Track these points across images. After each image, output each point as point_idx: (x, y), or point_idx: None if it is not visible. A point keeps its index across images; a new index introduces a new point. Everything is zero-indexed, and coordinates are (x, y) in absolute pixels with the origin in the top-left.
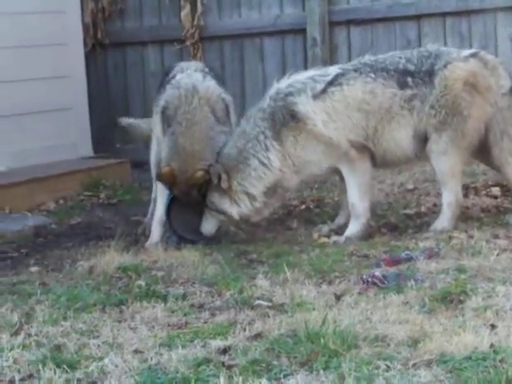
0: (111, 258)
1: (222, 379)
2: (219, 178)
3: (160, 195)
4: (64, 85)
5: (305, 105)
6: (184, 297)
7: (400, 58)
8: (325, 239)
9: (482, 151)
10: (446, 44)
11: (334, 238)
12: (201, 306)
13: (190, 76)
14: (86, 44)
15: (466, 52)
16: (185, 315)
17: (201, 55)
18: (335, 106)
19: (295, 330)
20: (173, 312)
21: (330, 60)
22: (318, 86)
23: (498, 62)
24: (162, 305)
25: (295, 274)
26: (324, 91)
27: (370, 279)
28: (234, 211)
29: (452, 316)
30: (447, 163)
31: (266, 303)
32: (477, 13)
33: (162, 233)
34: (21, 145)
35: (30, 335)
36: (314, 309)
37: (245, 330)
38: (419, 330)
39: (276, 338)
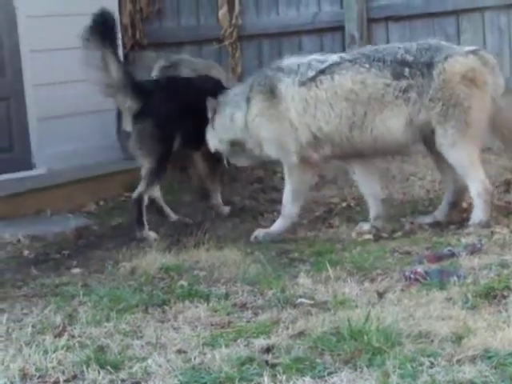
0: (153, 259)
1: (265, 378)
2: (212, 112)
3: None
4: None
5: (288, 87)
6: (226, 296)
7: (399, 48)
8: (368, 236)
9: None
10: (485, 39)
11: (256, 232)
12: (243, 306)
13: None
14: (124, 45)
15: (467, 48)
16: (227, 315)
17: (239, 54)
18: (319, 94)
19: (338, 328)
20: (215, 311)
21: None
22: (309, 72)
23: (496, 62)
24: (205, 304)
25: (337, 272)
26: (313, 79)
27: (412, 276)
28: (211, 143)
29: (495, 311)
30: (460, 154)
31: (308, 301)
32: None
33: None
34: (61, 146)
35: (73, 336)
36: (356, 306)
37: (288, 328)
38: (463, 325)
39: (319, 335)
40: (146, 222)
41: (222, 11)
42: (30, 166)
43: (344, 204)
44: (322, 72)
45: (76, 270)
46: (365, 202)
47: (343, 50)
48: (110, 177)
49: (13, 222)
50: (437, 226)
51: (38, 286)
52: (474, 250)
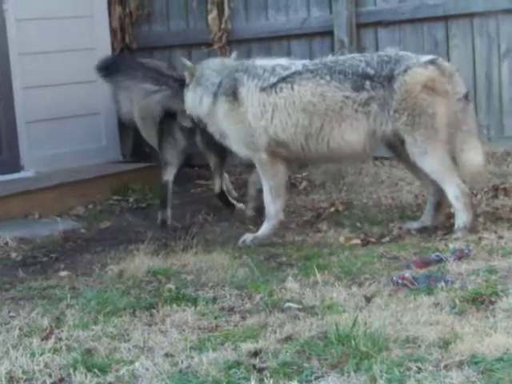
0: (141, 262)
1: (252, 382)
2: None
3: None
4: (92, 89)
5: (249, 91)
6: (214, 300)
7: (360, 61)
8: (356, 240)
9: None
10: (474, 45)
11: (245, 236)
12: (231, 309)
13: None
14: (113, 48)
15: (425, 58)
16: (215, 318)
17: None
18: (278, 102)
19: (326, 332)
20: (203, 315)
21: None
22: (271, 78)
23: (454, 70)
24: (192, 308)
25: (325, 277)
26: (274, 85)
27: (400, 281)
28: (187, 107)
29: (483, 317)
30: (432, 161)
31: (296, 306)
32: (505, 13)
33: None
34: (49, 149)
35: (60, 339)
36: (344, 311)
37: (275, 332)
38: (450, 331)
39: (306, 340)
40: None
41: (212, 15)
42: (18, 168)
43: (332, 209)
44: (284, 79)
45: (64, 273)
46: (353, 206)
47: (332, 55)
48: (99, 180)
49: (1, 224)
50: (425, 231)
51: (26, 289)
52: (461, 256)
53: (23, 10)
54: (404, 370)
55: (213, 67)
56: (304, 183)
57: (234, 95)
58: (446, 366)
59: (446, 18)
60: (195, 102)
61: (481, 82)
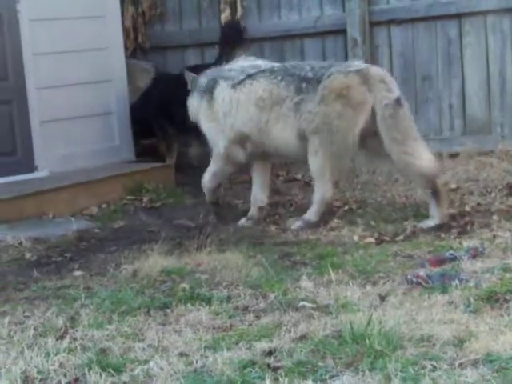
0: (155, 262)
1: (267, 381)
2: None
3: None
4: (105, 89)
5: (222, 90)
6: (228, 299)
7: (308, 65)
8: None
9: (385, 157)
10: (487, 42)
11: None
12: (245, 309)
13: None
14: (126, 48)
15: (353, 67)
16: (229, 318)
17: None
18: (240, 97)
19: (340, 331)
20: (217, 315)
21: (371, 60)
22: (240, 76)
23: (383, 76)
24: (207, 308)
25: (339, 275)
26: (241, 82)
27: (414, 279)
28: (190, 114)
29: (497, 315)
30: (316, 163)
31: (310, 305)
32: None
33: None
34: (63, 149)
35: (75, 339)
36: (358, 310)
37: (290, 331)
38: (465, 329)
39: (321, 339)
40: None
41: (225, 15)
42: (32, 168)
43: (346, 207)
44: (249, 77)
45: (78, 273)
46: (366, 205)
47: (345, 53)
48: (112, 180)
49: (15, 224)
50: (439, 229)
51: (40, 289)
52: (476, 254)
53: (36, 10)
54: (419, 369)
55: (208, 73)
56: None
57: (210, 95)
58: (460, 365)
59: (459, 16)
60: (192, 106)
61: (494, 79)
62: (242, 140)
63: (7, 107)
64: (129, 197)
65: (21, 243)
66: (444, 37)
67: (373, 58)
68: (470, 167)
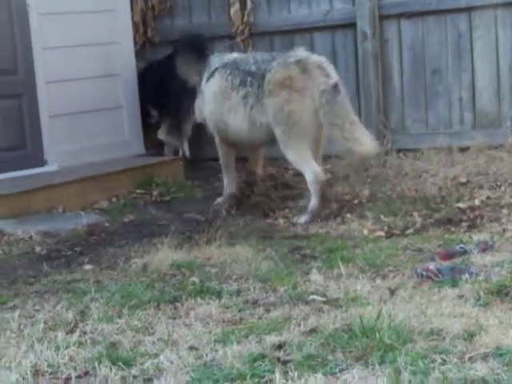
0: (165, 256)
1: (277, 375)
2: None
3: None
4: (115, 83)
5: (203, 83)
6: (238, 293)
7: (253, 59)
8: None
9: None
10: (497, 36)
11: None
12: (255, 302)
13: None
14: (136, 42)
15: (293, 58)
16: (239, 311)
17: (251, 51)
18: (206, 91)
19: (350, 325)
20: (227, 308)
21: (381, 54)
22: (211, 69)
23: (320, 63)
24: (217, 301)
25: (349, 269)
26: (212, 75)
27: (424, 273)
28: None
29: (507, 309)
30: (291, 153)
31: (320, 298)
32: None
33: None
34: (73, 144)
35: (85, 333)
36: (368, 303)
37: (299, 325)
38: (475, 323)
39: (331, 332)
40: None
41: (234, 8)
42: (42, 162)
43: (356, 201)
44: (214, 71)
45: (88, 267)
46: (376, 199)
47: (355, 47)
48: (122, 174)
49: (25, 218)
50: (449, 223)
51: (50, 283)
52: (485, 248)
53: (46, 4)
54: (428, 362)
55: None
56: (327, 176)
57: (200, 87)
58: (470, 358)
59: (469, 10)
60: (197, 104)
61: (504, 73)
62: (216, 129)
63: (17, 101)
64: (138, 191)
65: (31, 237)
66: (454, 30)
67: (382, 52)
68: (479, 161)
